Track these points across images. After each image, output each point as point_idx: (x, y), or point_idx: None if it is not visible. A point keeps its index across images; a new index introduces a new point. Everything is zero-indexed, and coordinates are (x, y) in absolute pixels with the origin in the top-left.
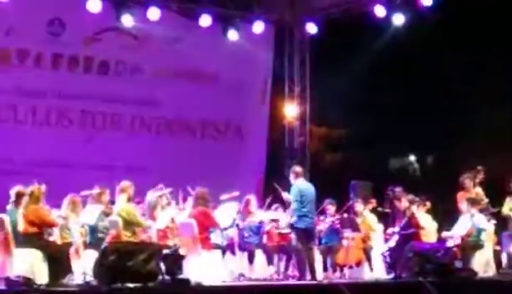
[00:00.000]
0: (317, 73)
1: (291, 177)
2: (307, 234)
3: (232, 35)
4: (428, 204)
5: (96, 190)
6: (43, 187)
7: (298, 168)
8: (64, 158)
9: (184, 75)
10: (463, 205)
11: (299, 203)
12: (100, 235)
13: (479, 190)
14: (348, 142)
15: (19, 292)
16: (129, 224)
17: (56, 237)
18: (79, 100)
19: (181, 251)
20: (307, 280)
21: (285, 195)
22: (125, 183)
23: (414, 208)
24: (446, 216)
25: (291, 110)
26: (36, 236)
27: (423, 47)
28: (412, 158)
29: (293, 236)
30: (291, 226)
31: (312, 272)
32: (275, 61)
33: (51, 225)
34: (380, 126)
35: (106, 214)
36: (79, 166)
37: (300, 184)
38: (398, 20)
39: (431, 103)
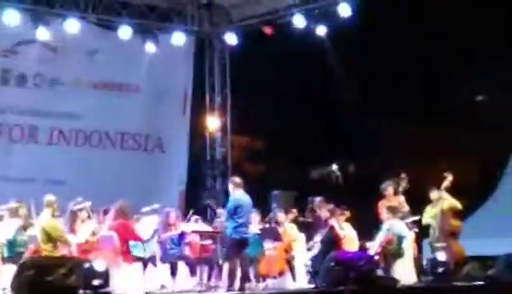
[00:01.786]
0: (238, 84)
1: (230, 188)
2: (241, 244)
3: (151, 47)
4: (348, 213)
5: (12, 204)
6: None
7: (237, 179)
8: None
9: (104, 87)
10: (383, 213)
11: (235, 214)
12: (18, 250)
13: (402, 198)
14: (269, 152)
15: None
16: (51, 238)
17: None
18: None
19: (102, 265)
20: (235, 291)
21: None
22: (50, 198)
23: (333, 219)
24: (368, 224)
25: (212, 121)
26: None
27: (342, 56)
28: (334, 166)
29: (218, 247)
30: (225, 237)
31: (244, 281)
32: (195, 72)
33: None
34: (301, 135)
35: (24, 228)
36: None
37: (237, 196)
38: (321, 30)
39: (352, 110)
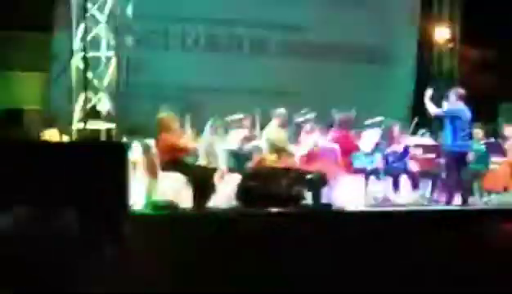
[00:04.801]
0: None
1: (452, 99)
2: (461, 158)
3: None
4: None
5: (238, 115)
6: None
7: (460, 90)
8: (212, 83)
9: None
10: None
11: (453, 127)
12: (243, 160)
13: None
14: (501, 63)
15: (164, 216)
16: (276, 149)
17: (202, 162)
18: (226, 25)
19: (324, 176)
20: (456, 205)
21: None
22: (280, 111)
23: None
24: None
25: (440, 32)
26: (176, 163)
27: None
28: None
29: (441, 160)
30: (444, 150)
31: (466, 195)
32: None
33: (185, 150)
34: None
35: (249, 139)
36: (227, 91)
37: (457, 107)
38: None
39: None
